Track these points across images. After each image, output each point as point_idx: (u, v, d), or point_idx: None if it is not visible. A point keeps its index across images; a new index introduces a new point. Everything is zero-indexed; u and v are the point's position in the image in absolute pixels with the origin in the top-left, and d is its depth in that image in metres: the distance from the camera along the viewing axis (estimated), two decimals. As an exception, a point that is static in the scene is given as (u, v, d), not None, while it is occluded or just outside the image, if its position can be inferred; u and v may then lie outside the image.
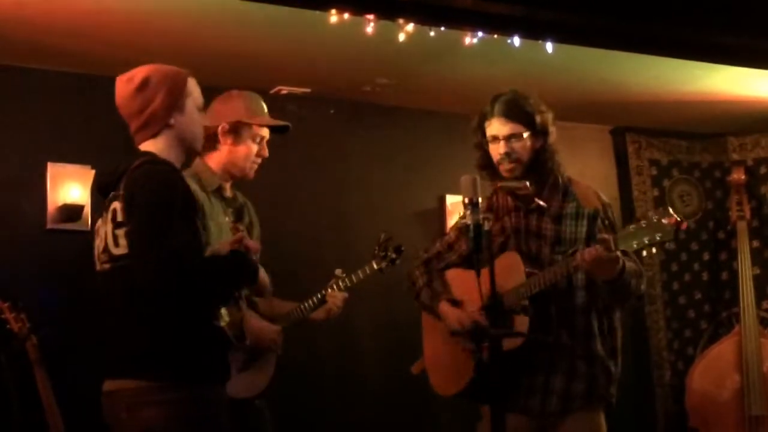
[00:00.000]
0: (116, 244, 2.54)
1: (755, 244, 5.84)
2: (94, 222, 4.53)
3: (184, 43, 4.10)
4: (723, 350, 5.52)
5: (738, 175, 5.79)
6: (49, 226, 4.47)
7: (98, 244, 2.65)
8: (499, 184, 3.26)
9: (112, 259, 2.56)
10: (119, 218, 2.53)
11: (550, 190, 3.25)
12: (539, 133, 3.21)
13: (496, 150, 3.23)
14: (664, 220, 2.79)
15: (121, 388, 2.52)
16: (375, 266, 3.93)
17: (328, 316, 3.82)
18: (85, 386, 4.02)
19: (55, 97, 4.56)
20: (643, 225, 2.86)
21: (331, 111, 5.18)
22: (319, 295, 3.81)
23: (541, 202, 3.22)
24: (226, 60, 4.37)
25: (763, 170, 5.95)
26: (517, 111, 3.21)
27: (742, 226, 5.66)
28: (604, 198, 3.28)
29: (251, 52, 4.42)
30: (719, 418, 5.40)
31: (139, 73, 2.66)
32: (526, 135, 3.20)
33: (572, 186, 3.27)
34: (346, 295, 3.85)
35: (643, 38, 4.11)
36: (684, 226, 2.78)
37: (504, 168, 3.23)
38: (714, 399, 5.43)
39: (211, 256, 2.63)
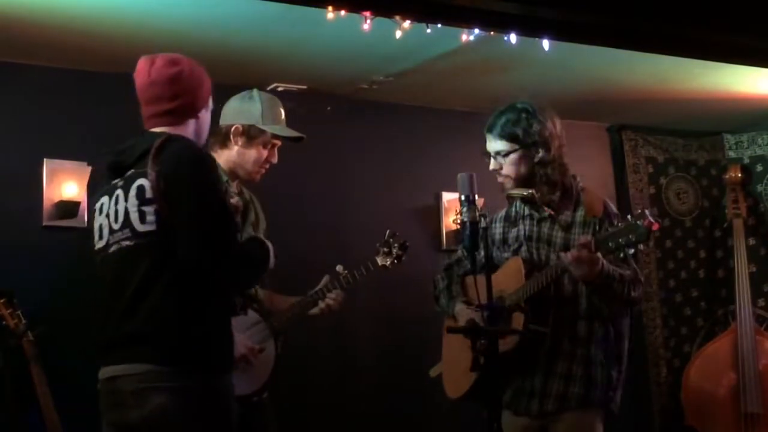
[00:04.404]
0: (142, 221, 2.48)
1: (751, 241, 5.85)
2: (90, 217, 4.52)
3: (180, 39, 4.08)
4: (719, 348, 5.52)
5: (734, 173, 5.80)
6: (45, 222, 4.45)
7: (102, 222, 2.59)
8: (507, 192, 3.30)
9: (137, 235, 2.49)
10: (148, 195, 2.47)
11: (562, 200, 3.28)
12: (531, 147, 3.22)
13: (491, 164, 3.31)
14: (639, 222, 2.83)
15: (128, 372, 2.42)
16: (379, 263, 3.88)
17: (328, 312, 3.72)
18: (82, 383, 4.05)
19: (51, 93, 4.54)
20: (620, 227, 2.91)
21: (328, 108, 5.18)
22: (319, 292, 3.76)
23: (550, 210, 3.24)
24: (223, 56, 4.36)
25: (759, 168, 5.96)
26: (505, 129, 3.25)
27: (738, 224, 5.67)
28: (612, 208, 3.30)
29: (248, 49, 4.42)
30: (715, 416, 5.40)
31: (179, 61, 2.65)
32: (513, 152, 3.24)
33: (583, 195, 3.29)
34: (342, 293, 3.73)
35: (640, 36, 4.11)
36: (656, 227, 2.83)
37: (499, 181, 3.30)
38: (710, 396, 5.44)
39: (245, 243, 2.78)
